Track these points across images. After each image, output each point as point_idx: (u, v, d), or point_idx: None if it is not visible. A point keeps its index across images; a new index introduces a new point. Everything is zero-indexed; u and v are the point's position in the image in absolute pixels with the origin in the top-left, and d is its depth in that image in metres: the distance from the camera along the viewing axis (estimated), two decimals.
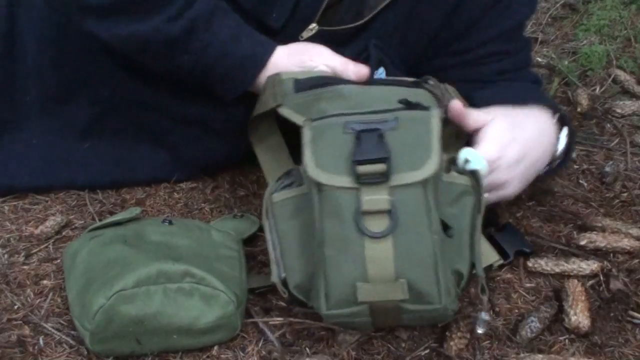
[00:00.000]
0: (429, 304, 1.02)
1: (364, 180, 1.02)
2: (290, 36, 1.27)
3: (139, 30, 1.21)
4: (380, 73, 1.29)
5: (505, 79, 1.38)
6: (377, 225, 1.01)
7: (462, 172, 1.12)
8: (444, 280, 1.02)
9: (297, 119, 1.13)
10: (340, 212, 1.02)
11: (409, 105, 1.11)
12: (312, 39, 1.27)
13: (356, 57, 1.27)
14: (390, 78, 1.25)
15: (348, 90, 1.15)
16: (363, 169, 1.02)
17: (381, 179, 1.02)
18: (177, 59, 1.23)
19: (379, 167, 1.02)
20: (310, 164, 1.05)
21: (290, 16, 1.25)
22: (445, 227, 1.07)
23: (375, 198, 1.02)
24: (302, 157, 1.08)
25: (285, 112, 1.16)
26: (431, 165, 1.03)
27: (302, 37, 1.27)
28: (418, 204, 1.03)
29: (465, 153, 1.14)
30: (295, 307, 1.15)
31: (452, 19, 1.33)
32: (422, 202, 1.03)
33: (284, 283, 1.09)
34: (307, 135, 1.07)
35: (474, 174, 1.11)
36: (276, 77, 1.19)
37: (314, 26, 1.27)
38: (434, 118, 1.08)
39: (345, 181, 1.03)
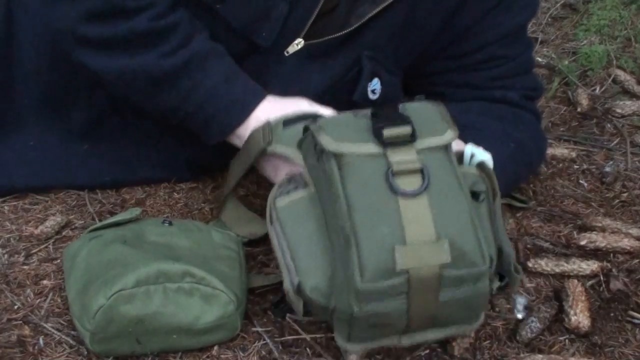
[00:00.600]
0: (472, 266, 0.97)
1: (390, 142, 0.98)
2: (276, 52, 1.25)
3: (131, 64, 1.20)
4: (375, 84, 1.28)
5: (502, 86, 1.36)
6: (410, 183, 0.97)
7: (470, 166, 1.11)
8: (483, 240, 0.98)
9: (290, 152, 1.12)
10: (368, 178, 0.97)
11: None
12: (299, 54, 1.25)
13: (348, 70, 1.26)
14: None
15: (337, 119, 1.13)
16: (389, 132, 0.98)
17: (408, 140, 0.99)
18: (164, 96, 1.22)
19: (405, 129, 0.99)
20: (327, 139, 1.00)
21: (279, 33, 1.23)
22: (473, 195, 1.04)
23: (406, 158, 0.98)
24: (310, 157, 1.05)
25: (276, 148, 1.15)
26: (451, 132, 1.02)
27: (287, 52, 1.25)
28: (446, 167, 1.00)
29: (469, 149, 1.14)
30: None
31: (451, 23, 1.31)
32: (449, 165, 1.01)
33: (298, 290, 1.02)
34: (315, 126, 1.04)
35: (481, 165, 1.10)
36: (265, 125, 1.18)
37: (299, 41, 1.25)
38: (441, 106, 1.07)
39: (371, 148, 0.98)
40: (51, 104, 1.41)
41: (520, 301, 1.07)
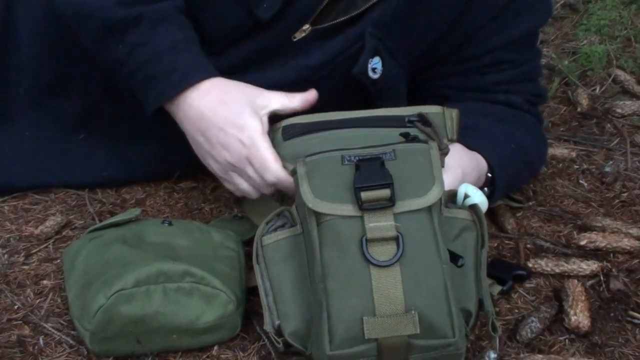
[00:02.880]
0: (441, 338, 0.97)
1: (367, 207, 0.98)
2: (282, 35, 1.25)
3: (88, 2, 1.20)
4: (376, 63, 1.27)
5: (505, 90, 1.36)
6: (383, 253, 0.97)
7: (462, 207, 1.10)
8: (456, 312, 0.98)
9: (289, 167, 1.11)
10: (343, 242, 0.98)
11: (407, 137, 1.08)
12: (305, 39, 1.25)
13: (350, 46, 1.25)
14: (382, 114, 1.16)
15: (336, 135, 1.12)
16: (367, 195, 0.98)
17: (386, 204, 0.98)
18: (111, 45, 1.20)
19: (384, 192, 0.98)
20: (308, 195, 1.00)
21: (282, 13, 1.22)
22: (454, 258, 1.03)
23: (381, 225, 0.97)
24: (297, 195, 1.04)
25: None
26: (435, 192, 1.00)
27: (295, 37, 1.25)
28: (425, 231, 0.99)
29: (464, 188, 1.13)
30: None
31: (462, 20, 1.30)
32: (429, 229, 0.99)
33: (279, 331, 1.04)
34: (301, 170, 1.03)
35: (474, 208, 1.08)
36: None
37: (307, 27, 1.24)
38: (433, 150, 1.05)
39: (348, 209, 0.99)
40: (46, 93, 1.41)
41: (491, 356, 1.08)
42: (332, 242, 0.99)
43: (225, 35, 1.26)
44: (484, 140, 1.27)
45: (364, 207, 0.98)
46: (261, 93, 1.18)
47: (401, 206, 0.99)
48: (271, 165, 1.13)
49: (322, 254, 0.99)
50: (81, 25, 1.23)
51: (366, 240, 0.97)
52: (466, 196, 1.12)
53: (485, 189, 1.25)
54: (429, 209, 1.00)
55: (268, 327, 1.04)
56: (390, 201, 0.98)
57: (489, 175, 1.26)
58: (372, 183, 0.99)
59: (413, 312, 0.96)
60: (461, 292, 1.03)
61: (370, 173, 1.00)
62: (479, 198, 1.12)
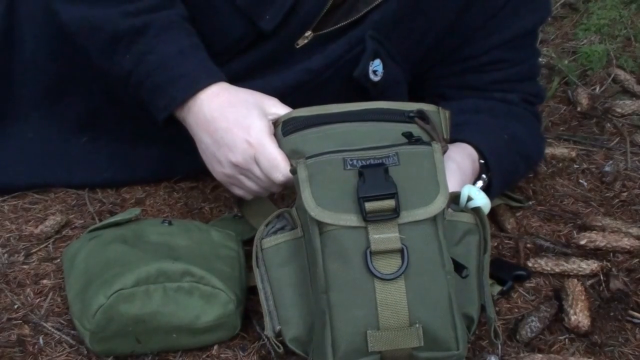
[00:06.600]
0: (445, 350, 0.96)
1: (372, 218, 0.96)
2: (285, 43, 1.25)
3: (93, 16, 1.20)
4: (377, 65, 1.27)
5: (503, 89, 1.36)
6: (388, 266, 0.95)
7: (465, 209, 1.09)
8: (460, 324, 0.97)
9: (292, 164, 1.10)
10: (347, 254, 0.96)
11: (410, 139, 1.06)
12: (307, 45, 1.25)
13: (350, 49, 1.25)
14: (383, 107, 1.12)
15: (334, 129, 1.08)
16: (371, 205, 0.97)
17: (390, 215, 0.97)
18: (118, 57, 1.20)
19: (388, 203, 0.97)
20: (310, 203, 0.98)
21: (285, 22, 1.23)
22: (458, 267, 1.01)
23: (385, 237, 0.96)
24: (298, 198, 1.03)
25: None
26: (440, 201, 0.99)
27: (297, 44, 1.25)
28: (430, 242, 0.98)
29: (467, 190, 1.12)
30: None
31: (460, 21, 1.30)
32: (434, 240, 0.98)
33: (279, 335, 1.03)
34: (302, 174, 1.01)
35: (477, 212, 1.07)
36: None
37: (309, 34, 1.25)
38: (437, 153, 1.03)
39: (352, 220, 0.97)
40: (50, 95, 1.41)
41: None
42: (336, 253, 0.97)
43: (229, 48, 1.27)
44: (475, 132, 1.27)
45: (368, 218, 0.97)
46: (270, 100, 1.17)
47: (406, 216, 0.98)
48: (279, 164, 1.12)
49: (325, 264, 0.98)
50: (88, 39, 1.23)
51: (370, 252, 0.96)
52: (469, 198, 1.11)
53: (484, 175, 1.25)
54: (434, 217, 0.99)
55: (268, 331, 1.04)
56: (395, 212, 0.97)
57: (482, 161, 1.25)
58: (377, 193, 0.97)
59: (417, 325, 0.95)
60: (463, 298, 1.02)
61: (374, 182, 0.98)
62: (482, 201, 1.12)
